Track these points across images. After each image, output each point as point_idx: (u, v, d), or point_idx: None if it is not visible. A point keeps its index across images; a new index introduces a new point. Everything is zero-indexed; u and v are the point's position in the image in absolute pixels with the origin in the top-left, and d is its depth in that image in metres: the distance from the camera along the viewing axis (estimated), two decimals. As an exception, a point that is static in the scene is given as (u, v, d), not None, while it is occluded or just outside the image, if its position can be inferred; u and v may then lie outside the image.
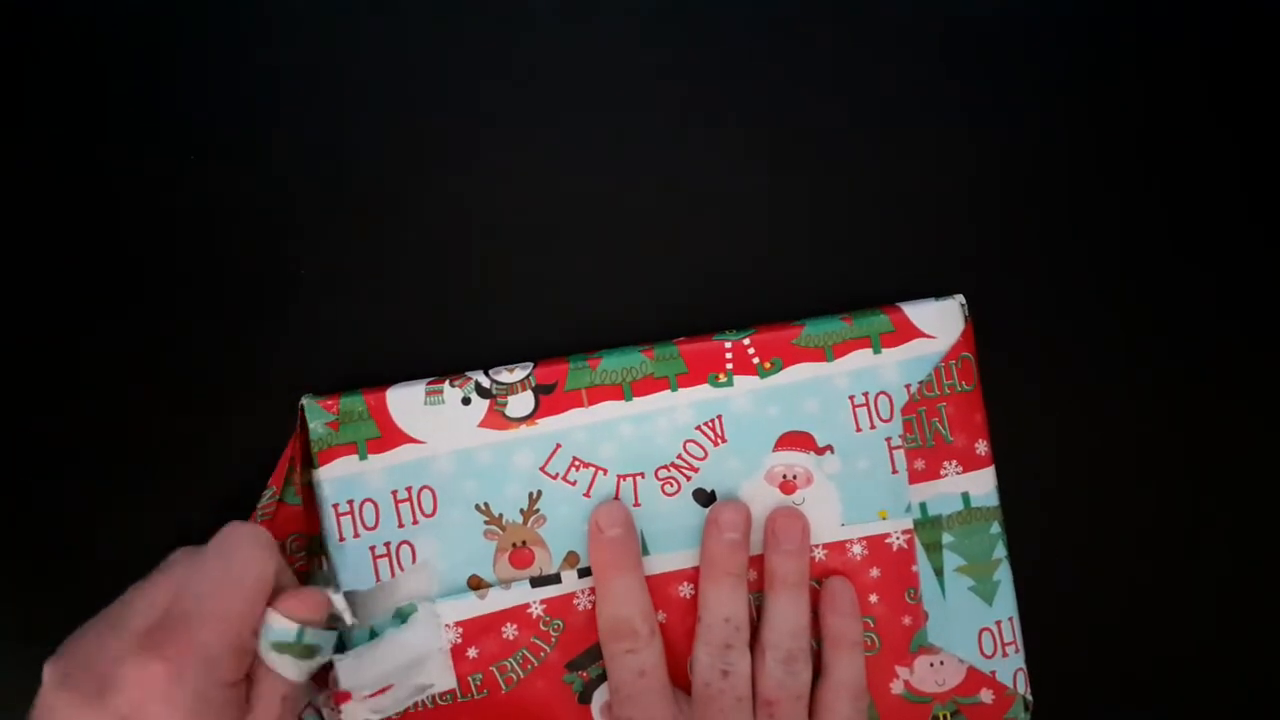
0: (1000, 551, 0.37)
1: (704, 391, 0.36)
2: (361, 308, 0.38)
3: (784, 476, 0.36)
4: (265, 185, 0.38)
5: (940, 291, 0.37)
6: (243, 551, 0.31)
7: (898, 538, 0.36)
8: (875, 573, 0.36)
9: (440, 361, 0.37)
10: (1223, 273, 0.39)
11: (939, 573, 0.36)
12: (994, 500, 0.37)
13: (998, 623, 0.36)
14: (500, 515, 0.36)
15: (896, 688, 0.36)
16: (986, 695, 0.36)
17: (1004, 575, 0.37)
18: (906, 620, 0.36)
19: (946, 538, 0.36)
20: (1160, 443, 0.39)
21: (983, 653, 0.36)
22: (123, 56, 0.37)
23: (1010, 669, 0.37)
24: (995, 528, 0.36)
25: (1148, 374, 0.39)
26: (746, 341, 0.37)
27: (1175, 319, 0.39)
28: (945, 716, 0.37)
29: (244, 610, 0.30)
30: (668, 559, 0.36)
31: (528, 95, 0.38)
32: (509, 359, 0.37)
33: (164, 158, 0.38)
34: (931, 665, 0.36)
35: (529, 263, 0.38)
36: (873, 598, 0.36)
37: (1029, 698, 0.37)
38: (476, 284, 0.38)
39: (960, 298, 0.37)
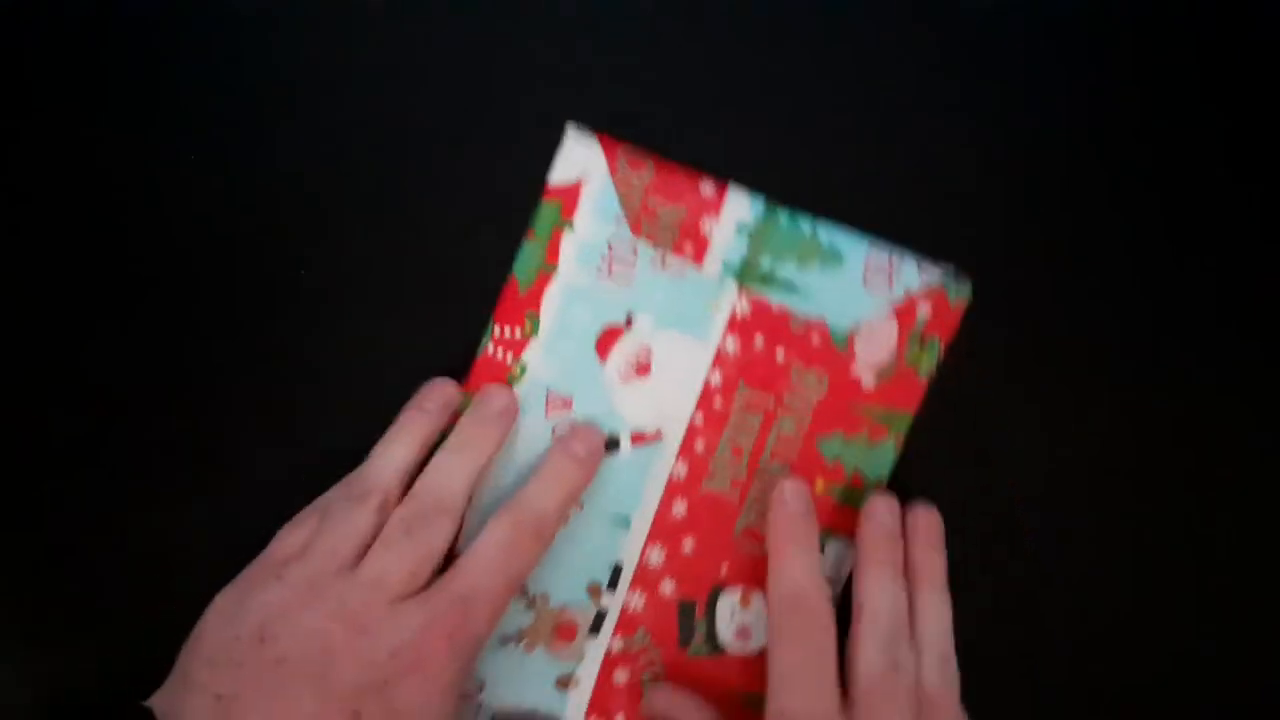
0: (806, 227, 0.36)
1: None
2: (363, 309, 0.38)
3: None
4: (266, 187, 0.38)
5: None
6: (525, 551, 0.33)
7: (742, 306, 0.37)
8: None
9: (439, 362, 0.37)
10: (1222, 272, 0.38)
11: (791, 287, 0.36)
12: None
13: (865, 259, 0.36)
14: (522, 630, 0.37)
15: (866, 380, 0.37)
16: (924, 310, 0.36)
17: (830, 234, 0.36)
18: (816, 340, 0.36)
19: (765, 261, 0.36)
20: (1158, 443, 0.38)
21: (891, 289, 0.36)
22: (123, 57, 0.37)
23: (913, 273, 0.36)
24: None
25: (1147, 374, 0.38)
26: None
27: (1175, 319, 0.38)
28: (915, 354, 0.37)
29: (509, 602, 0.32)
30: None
31: (528, 96, 0.38)
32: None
33: (164, 158, 0.38)
34: (869, 340, 0.37)
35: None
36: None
37: (951, 273, 0.36)
38: (477, 285, 0.38)
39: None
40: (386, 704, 0.29)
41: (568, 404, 0.37)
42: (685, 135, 0.37)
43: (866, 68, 0.37)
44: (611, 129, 0.37)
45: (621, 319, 0.37)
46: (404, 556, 0.31)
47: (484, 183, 0.37)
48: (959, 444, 0.38)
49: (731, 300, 0.37)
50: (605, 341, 0.37)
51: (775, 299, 0.36)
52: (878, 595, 0.33)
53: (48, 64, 0.37)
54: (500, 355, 0.37)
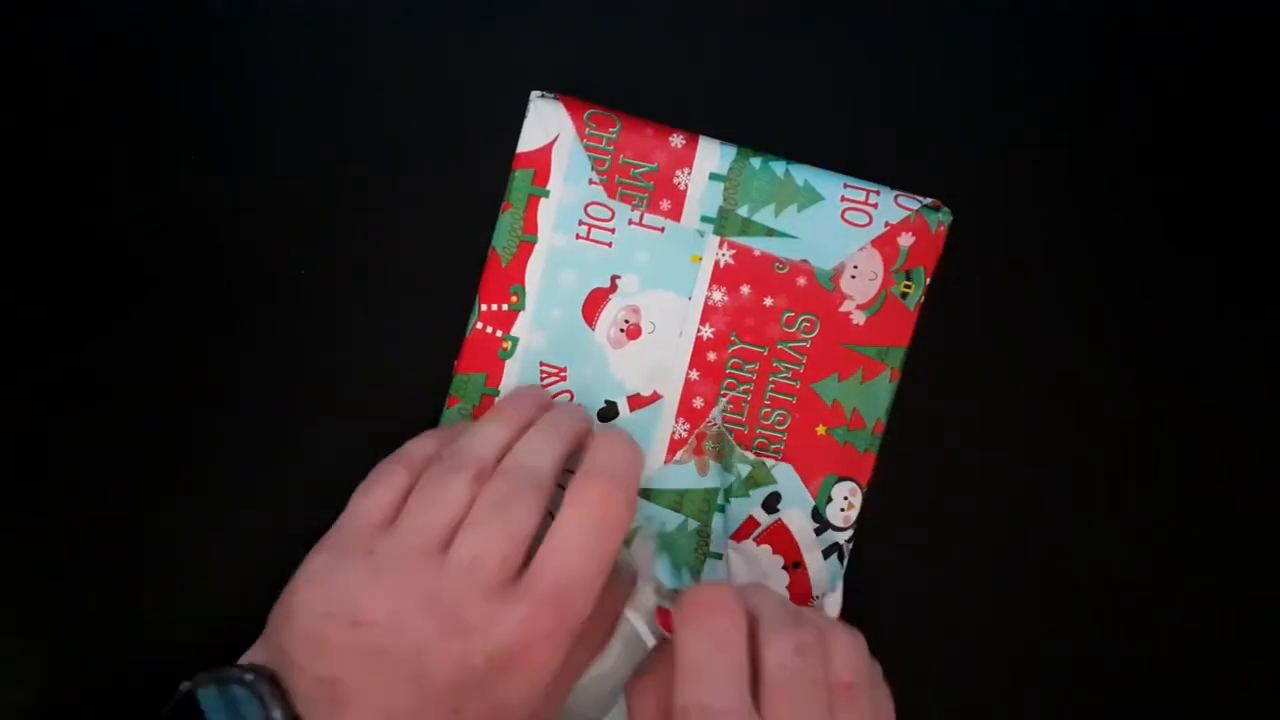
0: (779, 170, 0.36)
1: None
2: (362, 308, 0.38)
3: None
4: (266, 186, 0.37)
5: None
6: (616, 520, 0.30)
7: None
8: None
9: (441, 361, 0.37)
10: (1224, 269, 0.38)
11: (771, 232, 0.36)
12: None
13: (842, 196, 0.36)
14: None
15: (855, 318, 0.37)
16: (906, 240, 0.36)
17: (804, 174, 0.36)
18: (803, 282, 0.36)
19: (742, 208, 0.36)
20: (1151, 443, 0.38)
21: (870, 223, 0.36)
22: (124, 57, 0.37)
23: (891, 205, 0.36)
24: None
25: (1148, 375, 0.38)
26: None
27: (1175, 316, 0.38)
28: (902, 286, 0.37)
29: (605, 585, 0.30)
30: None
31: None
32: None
33: (165, 158, 0.37)
34: (854, 277, 0.37)
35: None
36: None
37: (927, 202, 0.36)
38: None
39: None
40: (488, 699, 0.28)
41: (562, 375, 0.37)
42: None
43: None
44: (576, 90, 0.36)
45: (606, 282, 0.37)
46: (496, 539, 0.29)
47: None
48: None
49: (713, 251, 0.36)
50: (592, 306, 0.37)
51: (757, 245, 0.36)
52: (769, 598, 0.32)
53: (48, 63, 0.37)
54: (490, 331, 0.37)
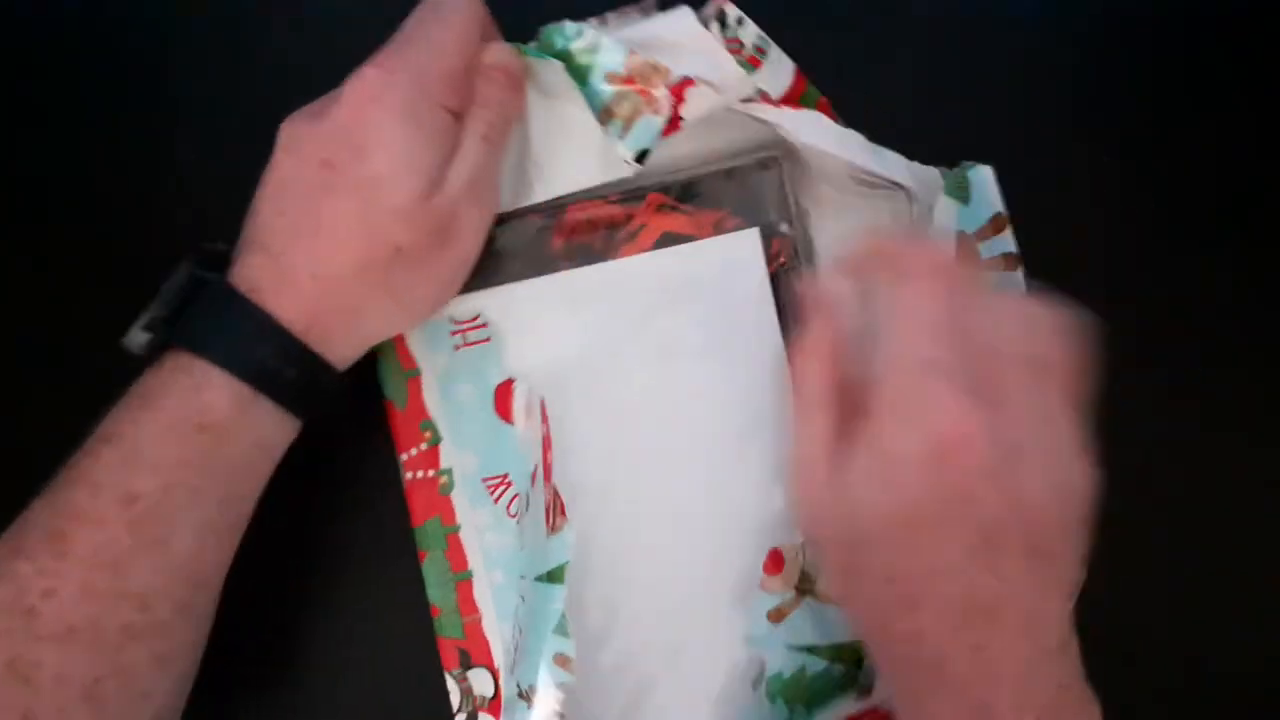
0: None
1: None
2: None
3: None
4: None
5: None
6: (457, 22, 0.32)
7: None
8: None
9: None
10: (1229, 264, 0.38)
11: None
12: None
13: None
14: None
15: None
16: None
17: None
18: None
19: None
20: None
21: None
22: (121, 56, 0.38)
23: None
24: None
25: (1150, 371, 0.37)
26: None
27: (1177, 314, 0.38)
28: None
29: (454, 40, 0.32)
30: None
31: None
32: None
33: (163, 154, 0.38)
34: None
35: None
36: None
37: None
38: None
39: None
40: (355, 164, 0.30)
41: (506, 480, 0.36)
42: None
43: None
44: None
45: (501, 377, 0.36)
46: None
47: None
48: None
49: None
50: (502, 404, 0.36)
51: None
52: None
53: (49, 62, 0.38)
54: (422, 476, 0.36)
